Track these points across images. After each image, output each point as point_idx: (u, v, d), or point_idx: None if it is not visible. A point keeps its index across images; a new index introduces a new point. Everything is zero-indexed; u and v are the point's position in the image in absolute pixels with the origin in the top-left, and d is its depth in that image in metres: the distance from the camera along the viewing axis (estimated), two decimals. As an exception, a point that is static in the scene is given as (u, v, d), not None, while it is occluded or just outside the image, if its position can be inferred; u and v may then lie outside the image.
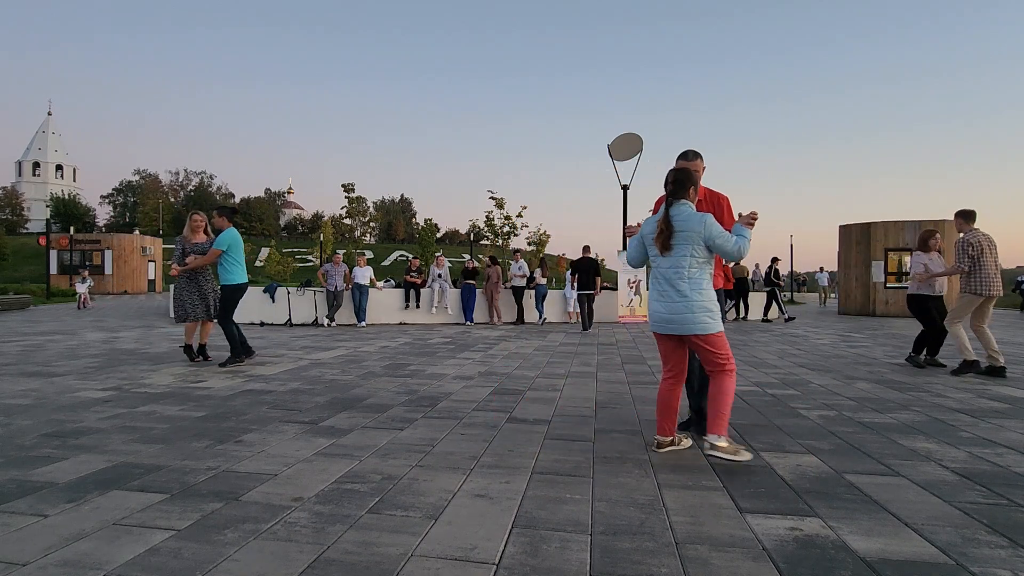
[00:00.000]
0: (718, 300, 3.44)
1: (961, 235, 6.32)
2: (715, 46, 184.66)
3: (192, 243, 6.80)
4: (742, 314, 15.88)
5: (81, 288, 20.08)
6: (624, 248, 15.75)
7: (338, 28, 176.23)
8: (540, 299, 13.86)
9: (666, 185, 3.16)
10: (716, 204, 3.61)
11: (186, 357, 6.85)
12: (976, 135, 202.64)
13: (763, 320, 15.61)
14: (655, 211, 3.67)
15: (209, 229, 6.99)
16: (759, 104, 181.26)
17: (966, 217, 6.29)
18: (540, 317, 13.83)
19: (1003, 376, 5.98)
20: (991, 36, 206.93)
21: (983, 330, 6.17)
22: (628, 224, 3.55)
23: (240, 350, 6.67)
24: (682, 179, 3.13)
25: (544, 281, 14.08)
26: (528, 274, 14.05)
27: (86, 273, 21.60)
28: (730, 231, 3.16)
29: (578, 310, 13.45)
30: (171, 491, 2.62)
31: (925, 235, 7.00)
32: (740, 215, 3.28)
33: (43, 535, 2.17)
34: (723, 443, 3.00)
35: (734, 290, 15.17)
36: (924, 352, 6.92)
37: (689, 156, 3.48)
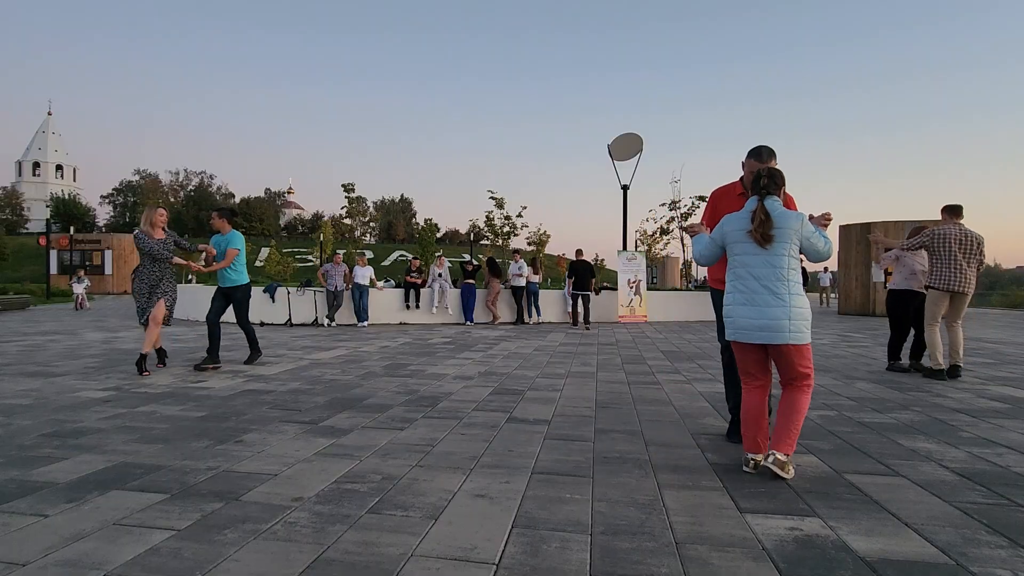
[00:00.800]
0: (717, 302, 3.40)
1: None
2: (715, 46, 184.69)
3: (153, 240, 6.16)
4: None
5: (77, 288, 19.32)
6: (624, 247, 15.79)
7: (338, 28, 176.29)
8: (533, 297, 13.95)
9: (758, 180, 2.97)
10: (789, 204, 3.42)
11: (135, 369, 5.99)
12: (977, 135, 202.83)
13: None
14: (714, 207, 3.56)
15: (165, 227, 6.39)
16: (759, 104, 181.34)
17: (951, 212, 6.11)
18: (531, 316, 13.95)
19: (946, 378, 5.92)
20: (991, 37, 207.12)
21: (953, 328, 6.07)
22: (691, 223, 3.36)
23: (213, 352, 6.43)
24: (778, 177, 2.98)
25: (537, 279, 14.13)
26: (524, 274, 14.09)
27: (82, 273, 20.78)
28: None
29: (578, 310, 13.76)
30: (171, 491, 2.62)
31: (916, 230, 6.61)
32: (812, 216, 3.06)
33: (43, 535, 2.17)
34: (790, 464, 2.83)
35: None
36: (899, 357, 6.65)
37: (764, 155, 3.30)
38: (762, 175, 2.98)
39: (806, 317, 2.85)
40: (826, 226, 3.02)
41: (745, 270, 2.92)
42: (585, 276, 12.74)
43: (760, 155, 3.32)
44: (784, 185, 3.03)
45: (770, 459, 2.83)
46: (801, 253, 2.98)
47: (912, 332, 6.73)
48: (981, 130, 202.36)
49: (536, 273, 14.07)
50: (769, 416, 3.09)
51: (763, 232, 2.85)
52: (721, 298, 3.25)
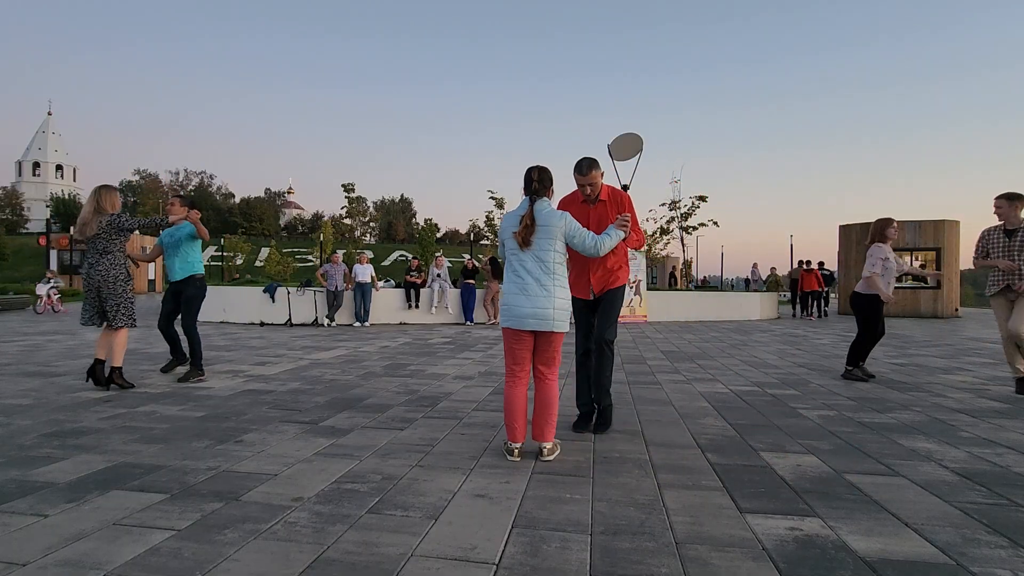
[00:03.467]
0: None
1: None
2: (715, 47, 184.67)
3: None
4: (809, 313, 17.54)
5: (41, 289, 16.62)
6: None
7: (338, 28, 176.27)
8: None
9: (528, 183, 3.20)
10: (620, 201, 3.73)
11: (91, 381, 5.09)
12: (977, 135, 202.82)
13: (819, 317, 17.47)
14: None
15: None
16: (759, 104, 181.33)
17: (1012, 199, 5.09)
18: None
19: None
20: (991, 37, 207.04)
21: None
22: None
23: (185, 357, 5.75)
24: (546, 178, 3.23)
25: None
26: None
27: (50, 273, 18.12)
28: (631, 225, 3.43)
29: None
30: (171, 491, 2.62)
31: (883, 223, 5.91)
32: (618, 217, 3.45)
33: (43, 535, 2.17)
34: (551, 446, 3.15)
35: (791, 291, 18.37)
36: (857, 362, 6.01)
37: (583, 169, 3.58)
38: (533, 178, 3.20)
39: (566, 308, 3.20)
40: (624, 227, 3.37)
41: (519, 264, 3.19)
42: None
43: (580, 169, 3.60)
44: (552, 184, 3.26)
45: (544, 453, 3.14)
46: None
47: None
48: (981, 130, 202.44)
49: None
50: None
51: (524, 236, 3.13)
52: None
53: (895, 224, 5.95)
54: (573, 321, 3.63)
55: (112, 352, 5.06)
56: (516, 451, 3.16)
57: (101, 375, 5.04)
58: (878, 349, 8.65)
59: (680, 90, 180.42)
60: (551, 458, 3.12)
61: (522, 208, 3.21)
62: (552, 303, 3.11)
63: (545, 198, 3.22)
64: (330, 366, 6.61)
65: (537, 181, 3.19)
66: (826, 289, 18.19)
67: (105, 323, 5.11)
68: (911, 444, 3.49)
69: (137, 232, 5.92)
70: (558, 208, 3.81)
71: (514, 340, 3.20)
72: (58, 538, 2.14)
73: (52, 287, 17.07)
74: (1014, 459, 3.19)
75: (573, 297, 3.72)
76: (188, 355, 5.65)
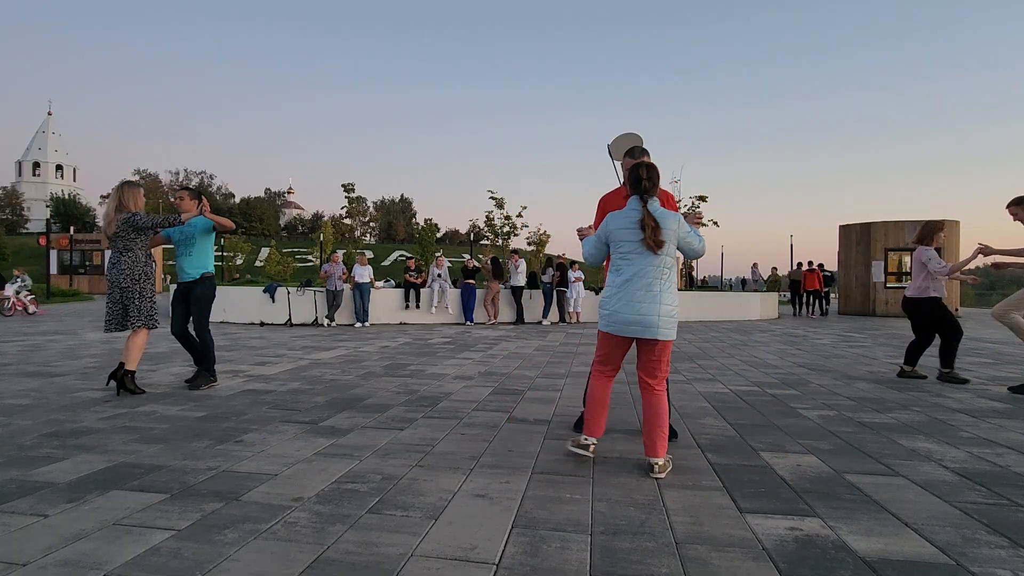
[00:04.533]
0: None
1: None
2: (715, 48, 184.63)
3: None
4: (812, 311, 18.42)
5: (9, 290, 15.04)
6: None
7: (338, 29, 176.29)
8: (554, 298, 14.20)
9: (638, 181, 2.97)
10: (668, 201, 3.58)
11: (130, 389, 4.86)
12: (976, 135, 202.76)
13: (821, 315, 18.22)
14: (605, 208, 3.59)
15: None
16: (759, 104, 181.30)
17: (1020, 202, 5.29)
18: (546, 317, 14.19)
19: None
20: (991, 37, 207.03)
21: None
22: (580, 227, 3.41)
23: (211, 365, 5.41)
24: (656, 175, 2.99)
25: (576, 280, 14.50)
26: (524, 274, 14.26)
27: (20, 271, 16.77)
28: None
29: (578, 310, 14.03)
30: (171, 491, 2.62)
31: (934, 226, 5.98)
32: (685, 216, 3.21)
33: (43, 535, 2.17)
34: (663, 463, 2.92)
35: (791, 291, 19.17)
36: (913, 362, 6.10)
37: (637, 154, 3.38)
38: (642, 175, 2.96)
39: (675, 316, 2.96)
40: (698, 224, 3.21)
41: (630, 269, 2.97)
42: (563, 276, 14.28)
43: (633, 153, 3.40)
44: (659, 182, 3.05)
45: (656, 470, 2.92)
46: (678, 251, 3.06)
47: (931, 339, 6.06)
48: (981, 130, 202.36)
49: (555, 275, 14.15)
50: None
51: (655, 239, 2.89)
52: None
53: (944, 231, 6.11)
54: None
55: (127, 353, 4.83)
56: (592, 447, 3.05)
57: (125, 381, 4.83)
58: (878, 349, 8.66)
59: (680, 90, 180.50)
60: (663, 475, 2.87)
61: (633, 208, 2.97)
62: (659, 309, 2.89)
63: (656, 198, 3.00)
64: (330, 366, 6.61)
65: (647, 179, 2.95)
66: (826, 289, 18.97)
67: (116, 328, 4.92)
68: (911, 444, 3.49)
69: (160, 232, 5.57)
70: (600, 203, 3.71)
71: (611, 344, 3.07)
72: (58, 538, 2.14)
73: (20, 287, 15.57)
74: (1014, 459, 3.19)
75: None
76: (203, 360, 5.32)
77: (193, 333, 5.38)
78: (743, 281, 23.70)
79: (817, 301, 18.43)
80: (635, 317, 2.91)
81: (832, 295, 22.95)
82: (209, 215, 5.35)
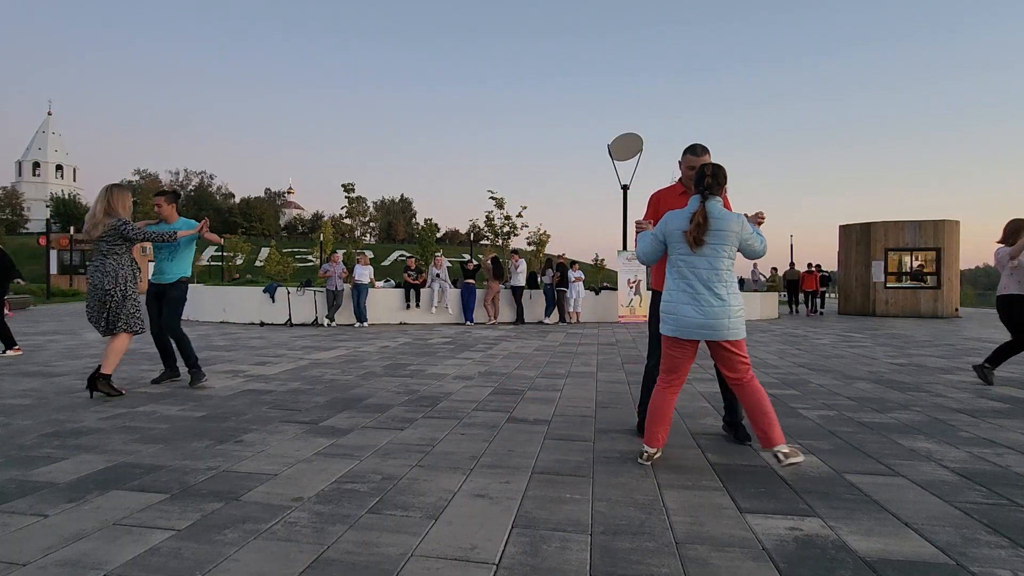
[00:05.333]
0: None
1: None
2: (715, 48, 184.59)
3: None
4: (811, 310, 19.37)
5: None
6: (624, 248, 15.78)
7: (338, 29, 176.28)
8: (555, 298, 14.21)
9: (701, 179, 2.96)
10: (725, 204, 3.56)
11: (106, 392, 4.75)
12: (976, 135, 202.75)
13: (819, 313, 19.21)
14: (657, 206, 3.60)
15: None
16: (759, 104, 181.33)
17: None
18: (548, 317, 14.20)
19: None
20: (991, 37, 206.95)
21: None
22: (639, 220, 3.35)
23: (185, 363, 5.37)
24: (721, 175, 2.97)
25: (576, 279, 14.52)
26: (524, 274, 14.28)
27: None
28: None
29: (578, 310, 14.06)
30: (171, 491, 2.62)
31: (1017, 224, 5.71)
32: (747, 216, 3.17)
33: (43, 535, 2.17)
34: (787, 449, 2.91)
35: (788, 291, 20.31)
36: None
37: (699, 151, 3.37)
38: (706, 173, 2.95)
39: (742, 315, 2.97)
40: (760, 224, 3.15)
41: (689, 270, 2.94)
42: (562, 276, 14.29)
43: (695, 151, 3.37)
44: (726, 183, 3.01)
45: (780, 459, 2.90)
46: (739, 252, 3.05)
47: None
48: (981, 130, 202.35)
49: (554, 277, 14.16)
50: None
51: (696, 236, 2.88)
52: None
53: None
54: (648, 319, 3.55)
55: (105, 357, 4.77)
56: (652, 457, 3.04)
57: (98, 383, 4.75)
58: (878, 349, 8.66)
59: (680, 90, 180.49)
60: (797, 459, 2.87)
61: (691, 207, 2.96)
62: (728, 311, 2.89)
63: (719, 198, 2.97)
64: (330, 366, 6.61)
65: (711, 177, 2.93)
66: (823, 289, 20.10)
67: (103, 330, 4.84)
68: (911, 444, 3.49)
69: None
70: (651, 200, 3.67)
71: (675, 348, 3.01)
72: (58, 538, 2.14)
73: None
74: (1014, 459, 3.19)
75: (658, 292, 3.52)
76: (185, 360, 5.33)
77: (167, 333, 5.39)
78: (741, 280, 23.74)
79: (815, 300, 19.40)
80: (705, 320, 2.88)
81: (832, 296, 23.08)
82: (208, 235, 5.48)
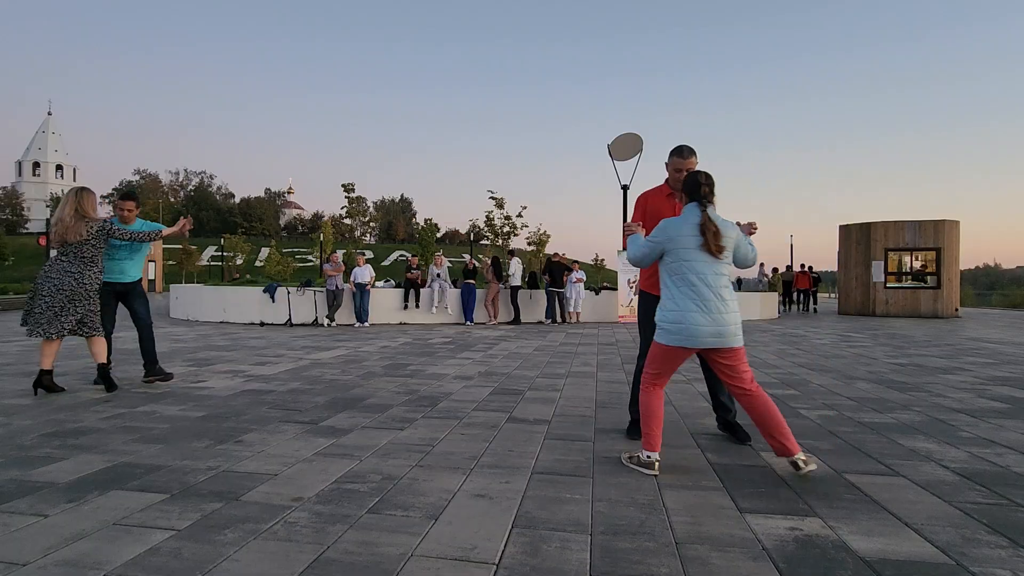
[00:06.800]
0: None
1: None
2: (715, 49, 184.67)
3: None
4: (804, 308, 21.40)
5: None
6: (624, 248, 15.78)
7: (338, 29, 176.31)
8: (558, 298, 14.12)
9: (697, 187, 2.98)
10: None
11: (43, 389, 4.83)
12: (976, 135, 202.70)
13: (814, 311, 20.95)
14: (645, 208, 3.61)
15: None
16: (759, 105, 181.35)
17: None
18: (560, 318, 14.19)
19: None
20: (991, 37, 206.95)
21: None
22: (629, 223, 3.35)
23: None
24: (713, 182, 3.02)
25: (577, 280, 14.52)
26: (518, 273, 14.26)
27: None
28: None
29: (578, 310, 14.09)
30: (171, 491, 2.62)
31: None
32: (739, 223, 3.22)
33: (43, 535, 2.17)
34: (805, 456, 2.87)
35: (783, 289, 21.85)
36: None
37: (686, 153, 3.40)
38: (702, 182, 2.98)
39: (740, 321, 3.01)
40: (752, 234, 3.21)
41: (696, 277, 2.92)
42: (559, 275, 14.29)
43: (682, 153, 3.40)
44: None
45: (805, 468, 2.85)
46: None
47: None
48: (981, 130, 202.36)
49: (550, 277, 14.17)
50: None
51: (717, 244, 2.91)
52: (654, 304, 3.24)
53: None
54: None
55: (100, 355, 4.89)
56: (657, 464, 2.91)
57: (51, 382, 4.85)
58: (878, 349, 8.65)
59: (680, 90, 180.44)
60: (813, 467, 2.85)
61: (692, 214, 2.95)
62: (734, 318, 2.91)
63: (714, 205, 3.00)
64: (330, 366, 6.61)
65: (706, 185, 2.97)
66: (814, 289, 21.83)
67: (64, 334, 4.75)
68: (911, 444, 3.49)
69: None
70: (638, 201, 3.69)
71: (674, 356, 2.98)
72: (58, 538, 2.14)
73: None
74: (1014, 459, 3.19)
75: (648, 294, 3.58)
76: (145, 355, 5.40)
77: (128, 331, 5.44)
78: (739, 280, 23.79)
79: (807, 298, 21.57)
80: (714, 328, 2.87)
81: (832, 296, 23.27)
82: (185, 232, 5.62)
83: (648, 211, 3.59)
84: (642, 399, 3.06)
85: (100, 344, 4.96)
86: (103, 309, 5.23)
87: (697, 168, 3.30)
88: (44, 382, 4.83)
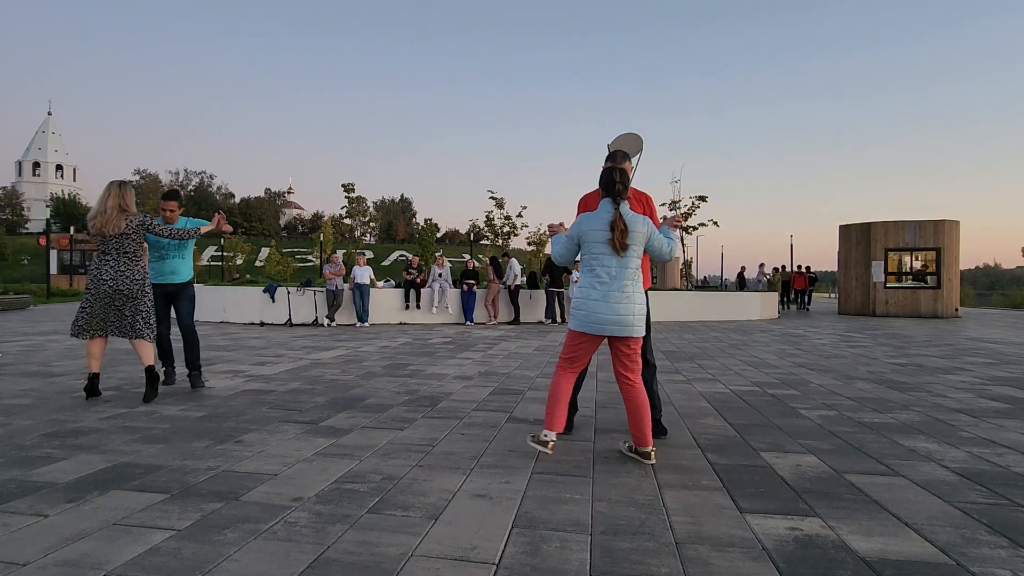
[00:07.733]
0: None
1: None
2: (715, 49, 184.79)
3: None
4: (800, 306, 22.53)
5: None
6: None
7: (338, 29, 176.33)
8: (558, 299, 14.09)
9: (612, 184, 3.12)
10: (645, 203, 3.71)
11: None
12: (976, 135, 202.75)
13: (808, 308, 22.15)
14: (586, 207, 3.66)
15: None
16: (759, 105, 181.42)
17: None
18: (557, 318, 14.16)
19: None
20: (991, 37, 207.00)
21: None
22: (551, 223, 3.53)
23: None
24: (628, 182, 3.19)
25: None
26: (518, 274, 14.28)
27: None
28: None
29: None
30: (171, 491, 2.62)
31: None
32: (665, 217, 3.40)
33: (43, 535, 2.17)
34: (653, 451, 3.10)
35: (783, 289, 22.44)
36: None
37: (619, 158, 3.53)
38: (616, 179, 3.11)
39: (643, 314, 3.14)
40: (677, 227, 3.36)
41: (603, 269, 3.09)
42: (559, 275, 14.16)
43: (615, 159, 3.52)
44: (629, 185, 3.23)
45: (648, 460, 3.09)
46: (645, 253, 3.25)
47: None
48: (981, 130, 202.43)
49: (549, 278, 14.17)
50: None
51: (622, 242, 3.05)
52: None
53: None
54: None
55: (147, 357, 4.66)
56: (551, 444, 3.10)
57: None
58: (878, 349, 8.66)
59: (680, 90, 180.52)
60: (652, 461, 3.06)
61: (605, 210, 3.11)
62: (632, 309, 3.05)
63: (627, 201, 3.17)
64: (330, 366, 6.61)
65: (620, 183, 3.11)
66: (810, 288, 23.01)
67: (109, 335, 4.67)
68: (911, 444, 3.49)
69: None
70: (580, 203, 3.80)
71: (584, 341, 3.16)
72: (58, 538, 2.14)
73: None
74: (1014, 459, 3.19)
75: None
76: (189, 362, 5.32)
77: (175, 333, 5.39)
78: (739, 281, 23.81)
79: (803, 297, 22.67)
80: (614, 317, 3.04)
81: (832, 296, 23.38)
82: (225, 227, 5.44)
83: (588, 211, 3.65)
84: (553, 380, 3.23)
85: (148, 346, 4.72)
86: (156, 311, 5.10)
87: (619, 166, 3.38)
88: (94, 384, 4.67)
